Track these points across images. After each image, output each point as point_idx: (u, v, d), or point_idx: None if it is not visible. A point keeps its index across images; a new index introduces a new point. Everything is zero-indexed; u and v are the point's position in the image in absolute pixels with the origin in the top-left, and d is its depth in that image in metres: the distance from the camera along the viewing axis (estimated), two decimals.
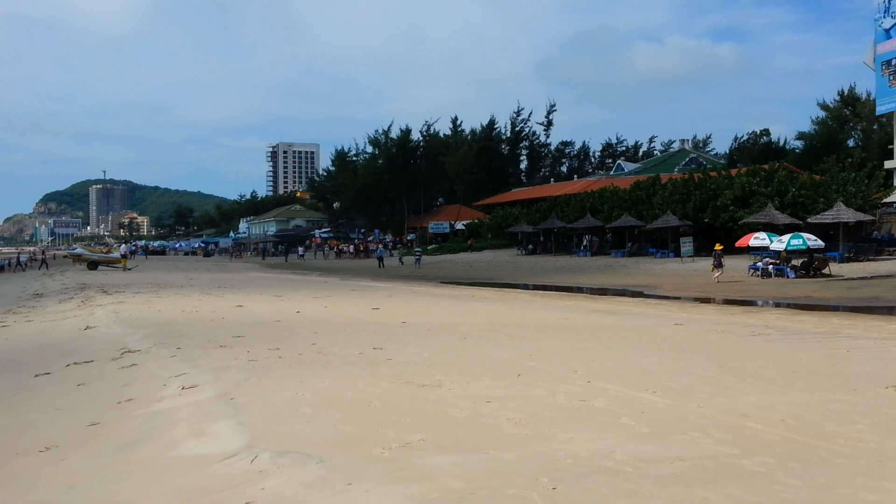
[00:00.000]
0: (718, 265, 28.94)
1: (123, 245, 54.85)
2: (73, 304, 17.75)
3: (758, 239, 32.65)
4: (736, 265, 34.99)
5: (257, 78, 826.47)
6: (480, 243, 64.35)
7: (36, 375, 8.46)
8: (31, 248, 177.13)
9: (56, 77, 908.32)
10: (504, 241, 62.34)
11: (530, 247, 57.26)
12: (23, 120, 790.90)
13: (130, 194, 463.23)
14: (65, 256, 48.96)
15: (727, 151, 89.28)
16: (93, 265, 41.61)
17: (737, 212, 41.17)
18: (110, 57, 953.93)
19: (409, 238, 76.59)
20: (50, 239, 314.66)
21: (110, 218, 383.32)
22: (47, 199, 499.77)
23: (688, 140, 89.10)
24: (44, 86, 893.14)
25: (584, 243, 53.82)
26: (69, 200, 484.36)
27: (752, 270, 31.43)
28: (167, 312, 14.26)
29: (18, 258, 49.87)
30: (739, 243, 34.50)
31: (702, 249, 41.10)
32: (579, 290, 28.12)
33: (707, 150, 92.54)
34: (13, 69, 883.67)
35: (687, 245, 39.87)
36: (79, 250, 48.57)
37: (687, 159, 72.76)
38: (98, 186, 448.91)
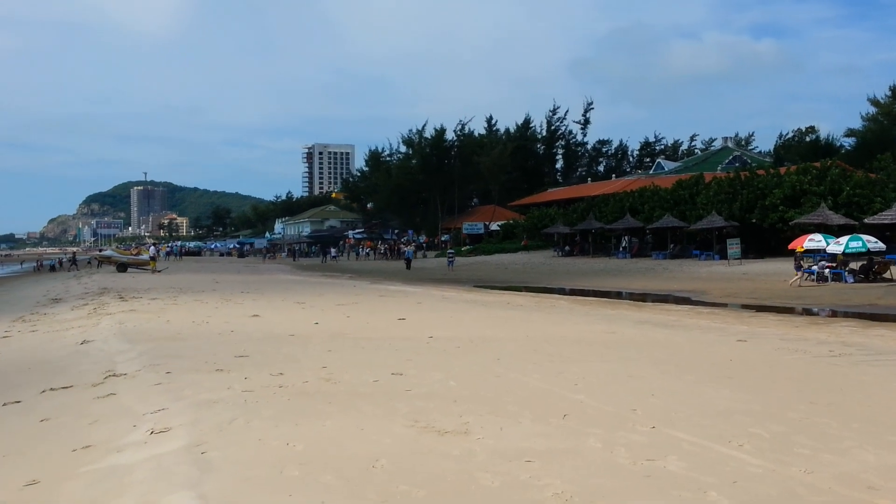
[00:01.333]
0: (799, 268, 27.37)
1: (152, 247, 54.27)
2: (85, 311, 16.77)
3: (813, 241, 30.70)
4: (788, 269, 33.09)
5: (293, 80, 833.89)
6: (514, 244, 62.84)
7: (4, 404, 7.32)
8: (73, 249, 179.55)
9: (97, 81, 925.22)
10: (539, 241, 60.75)
11: (567, 248, 55.60)
12: (66, 122, 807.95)
13: (170, 195, 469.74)
14: (94, 258, 48.58)
15: (771, 149, 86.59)
16: (122, 267, 41.03)
17: (787, 212, 39.13)
18: (149, 61, 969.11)
19: (442, 239, 75.33)
20: (93, 239, 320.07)
21: (151, 218, 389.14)
22: (90, 200, 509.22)
23: (730, 138, 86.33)
24: (86, 89, 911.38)
25: (623, 245, 52.04)
26: (111, 201, 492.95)
27: (806, 274, 29.54)
28: (175, 323, 13.13)
29: (74, 257, 49.58)
30: (793, 245, 32.55)
31: (749, 251, 39.18)
32: (620, 294, 26.54)
33: (750, 148, 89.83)
34: (57, 73, 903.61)
35: (734, 247, 37.91)
36: (108, 252, 48.19)
37: (730, 157, 70.36)
38: (139, 188, 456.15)
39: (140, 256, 44.13)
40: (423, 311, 16.36)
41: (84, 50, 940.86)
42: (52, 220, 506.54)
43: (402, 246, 74.36)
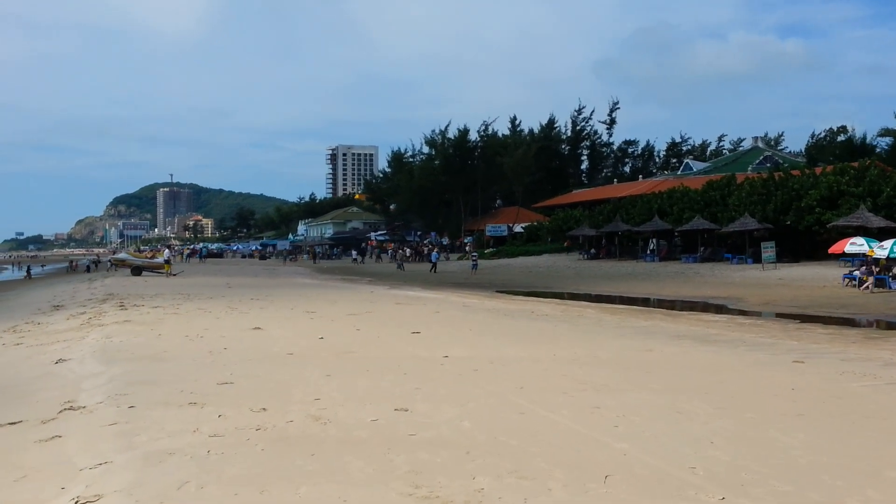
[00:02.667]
0: (869, 273, 25.81)
1: (167, 250, 53.64)
2: (79, 321, 15.72)
3: (855, 244, 29.05)
4: (826, 274, 31.41)
5: (318, 82, 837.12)
6: (538, 247, 61.38)
7: None
8: (99, 250, 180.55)
9: (124, 84, 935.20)
10: (564, 244, 59.25)
11: (593, 251, 54.07)
12: (93, 125, 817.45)
13: (196, 197, 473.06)
14: (108, 261, 47.95)
15: (802, 150, 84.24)
16: (136, 270, 40.22)
17: (823, 214, 37.34)
18: (176, 64, 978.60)
19: (465, 241, 74.02)
20: (119, 241, 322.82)
21: (176, 220, 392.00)
22: (117, 201, 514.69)
23: (760, 137, 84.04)
24: (113, 92, 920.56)
25: (651, 247, 50.42)
26: (138, 203, 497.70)
27: (846, 280, 27.88)
28: (167, 338, 11.98)
29: (98, 259, 49.01)
30: (833, 249, 30.93)
31: (783, 255, 37.48)
32: (650, 301, 25.09)
33: (780, 148, 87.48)
34: (85, 76, 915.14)
35: (769, 250, 36.25)
36: (122, 255, 47.50)
37: (760, 157, 68.28)
38: (165, 189, 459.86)
39: (155, 259, 43.37)
40: (441, 323, 15.09)
41: (111, 53, 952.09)
42: (79, 222, 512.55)
43: (425, 248, 73.22)
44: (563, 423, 6.32)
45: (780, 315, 19.52)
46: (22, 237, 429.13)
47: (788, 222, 39.31)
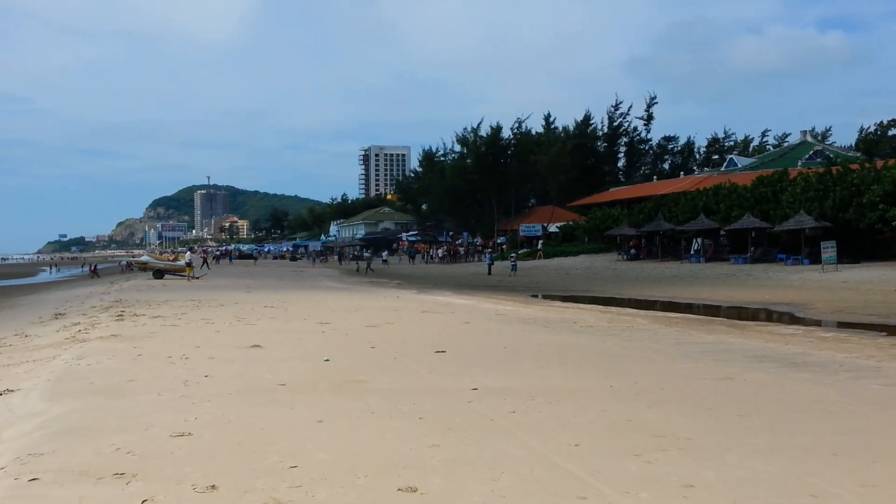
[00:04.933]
0: None
1: (189, 252, 52.36)
2: (67, 334, 13.98)
3: None
4: (893, 276, 28.72)
5: (351, 83, 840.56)
6: (575, 247, 59.01)
7: None
8: (139, 251, 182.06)
9: (164, 88, 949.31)
10: (602, 244, 56.81)
11: (633, 251, 51.53)
12: (134, 129, 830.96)
13: (232, 199, 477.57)
14: (128, 264, 46.72)
15: (852, 144, 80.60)
16: (158, 273, 38.82)
17: (888, 210, 34.52)
18: (214, 68, 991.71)
19: (498, 241, 71.87)
20: (158, 242, 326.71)
21: (213, 221, 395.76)
22: (156, 203, 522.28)
23: (808, 131, 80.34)
24: (153, 97, 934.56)
25: (696, 247, 47.79)
26: (176, 205, 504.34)
27: None
28: (144, 360, 10.09)
29: (132, 262, 47.93)
30: None
31: (843, 255, 34.75)
32: (703, 307, 22.75)
33: (828, 143, 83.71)
34: (126, 82, 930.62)
35: (829, 251, 33.57)
36: (144, 258, 46.26)
37: (811, 152, 65.02)
38: (202, 191, 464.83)
39: (177, 262, 42.00)
40: (470, 338, 13.02)
41: (152, 59, 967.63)
42: (120, 224, 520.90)
43: (459, 248, 71.11)
44: None
45: (858, 325, 17.09)
46: (65, 239, 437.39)
47: (848, 219, 36.51)
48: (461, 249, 70.04)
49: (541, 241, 63.11)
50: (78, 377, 8.63)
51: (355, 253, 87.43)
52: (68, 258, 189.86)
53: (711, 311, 21.89)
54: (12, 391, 8.21)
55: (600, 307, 22.03)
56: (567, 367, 9.91)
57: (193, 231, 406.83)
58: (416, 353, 11.08)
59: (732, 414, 7.15)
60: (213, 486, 4.71)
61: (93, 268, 57.25)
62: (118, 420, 6.50)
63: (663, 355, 11.26)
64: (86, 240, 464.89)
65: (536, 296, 29.04)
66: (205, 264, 56.15)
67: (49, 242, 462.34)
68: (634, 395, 8.03)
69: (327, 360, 10.16)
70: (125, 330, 13.71)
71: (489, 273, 45.05)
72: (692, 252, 47.37)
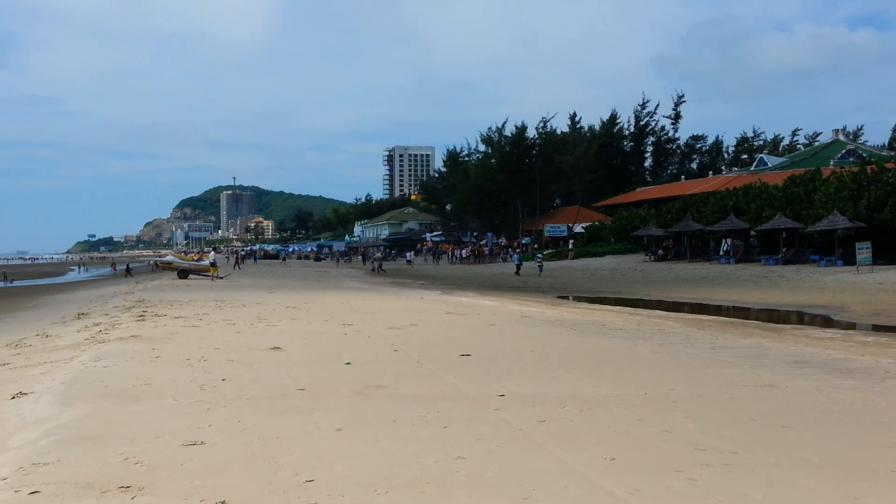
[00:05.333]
0: None
1: (212, 252, 52.43)
2: (87, 334, 13.81)
3: None
4: None
5: (376, 84, 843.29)
6: (601, 248, 58.31)
7: None
8: (166, 252, 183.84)
9: (190, 90, 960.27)
10: (628, 245, 56.08)
11: (660, 252, 50.76)
12: (161, 130, 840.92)
13: (257, 199, 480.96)
14: (156, 263, 46.89)
15: (885, 143, 79.00)
16: (183, 273, 38.85)
17: None
18: (240, 69, 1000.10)
19: (523, 241, 71.34)
20: (185, 242, 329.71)
21: (238, 222, 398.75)
22: (183, 204, 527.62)
23: (840, 130, 78.73)
24: (180, 98, 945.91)
25: (725, 248, 46.94)
26: (202, 206, 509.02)
27: None
28: (162, 362, 9.85)
29: (156, 262, 48.18)
30: None
31: (878, 256, 33.86)
32: (735, 310, 22.15)
33: (860, 142, 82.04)
34: (153, 83, 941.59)
35: (864, 251, 32.70)
36: (169, 258, 46.37)
37: (843, 151, 63.64)
38: (228, 192, 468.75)
39: (201, 262, 42.03)
40: (496, 341, 12.64)
41: (179, 60, 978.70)
42: (147, 224, 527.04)
43: (484, 249, 70.65)
44: None
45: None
46: (94, 239, 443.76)
47: (885, 219, 35.57)
48: (486, 250, 69.56)
49: (571, 241, 62.26)
50: (92, 380, 8.38)
51: (363, 254, 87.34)
52: (97, 258, 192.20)
53: (745, 313, 21.30)
54: (25, 394, 7.99)
55: (629, 309, 21.53)
56: (597, 372, 9.50)
57: (219, 231, 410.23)
58: (440, 356, 10.72)
59: (777, 425, 6.71)
60: (222, 503, 4.39)
61: (127, 267, 57.99)
62: (129, 427, 6.22)
63: (698, 360, 10.80)
64: (114, 240, 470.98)
65: (563, 297, 28.55)
66: (237, 265, 56.56)
67: (78, 242, 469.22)
68: (671, 403, 7.61)
69: (349, 363, 9.84)
70: (145, 331, 13.51)
71: (517, 273, 44.53)
72: (721, 253, 46.57)
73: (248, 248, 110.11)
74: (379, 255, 64.43)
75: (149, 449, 5.53)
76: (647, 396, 7.92)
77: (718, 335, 14.30)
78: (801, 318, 19.99)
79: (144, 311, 17.55)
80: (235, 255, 67.21)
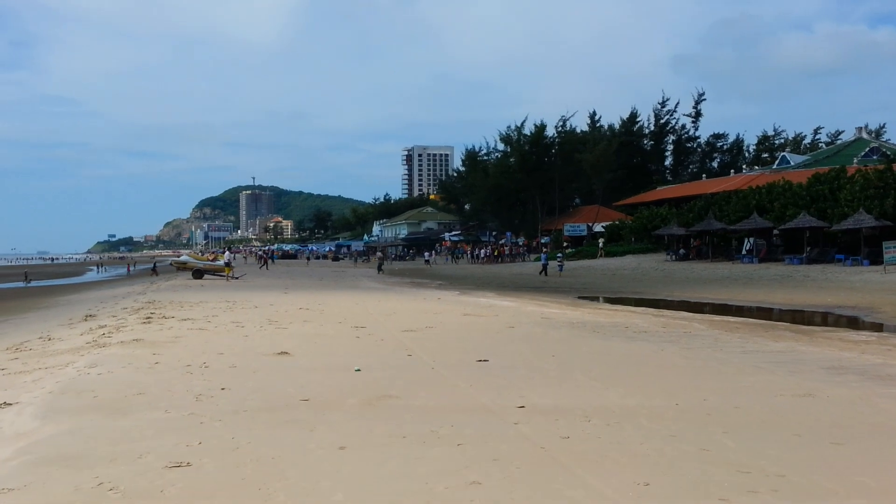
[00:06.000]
0: None
1: (227, 252, 52.15)
2: (90, 337, 13.37)
3: None
4: None
5: (394, 84, 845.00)
6: (622, 247, 57.45)
7: None
8: (181, 251, 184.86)
9: (209, 90, 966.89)
10: (649, 244, 55.21)
11: (682, 251, 49.86)
12: (180, 130, 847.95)
13: (277, 199, 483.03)
14: (171, 264, 46.66)
15: None
16: (198, 274, 38.53)
17: None
18: (258, 70, 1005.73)
19: (542, 241, 70.58)
20: (204, 242, 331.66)
21: (257, 222, 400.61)
22: (202, 204, 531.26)
23: (863, 128, 77.22)
24: (199, 99, 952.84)
25: (748, 247, 45.99)
26: (222, 206, 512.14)
27: None
28: (161, 368, 9.35)
29: (171, 262, 47.98)
30: None
31: None
32: (760, 311, 21.38)
33: (883, 140, 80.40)
34: (172, 84, 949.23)
35: (892, 251, 31.76)
36: (184, 258, 46.08)
37: (866, 149, 62.28)
38: (247, 192, 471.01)
39: (216, 262, 41.71)
40: (515, 345, 12.04)
41: (197, 61, 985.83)
42: (167, 224, 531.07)
43: (504, 249, 69.91)
44: None
45: None
46: (114, 239, 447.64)
47: None
48: (506, 249, 68.77)
49: (602, 240, 60.51)
50: (83, 389, 7.88)
51: (359, 253, 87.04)
52: (116, 258, 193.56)
53: (772, 314, 20.55)
54: (10, 405, 7.49)
55: (652, 310, 20.84)
56: (624, 379, 8.87)
57: (238, 231, 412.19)
58: (456, 362, 10.14)
59: (825, 441, 6.08)
60: None
61: (153, 266, 58.33)
62: (111, 445, 5.70)
63: (730, 366, 10.14)
64: (134, 240, 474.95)
65: (584, 297, 27.87)
66: (265, 265, 56.22)
67: (98, 242, 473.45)
68: (705, 415, 6.99)
69: (358, 370, 9.29)
70: (149, 334, 13.04)
71: (545, 273, 43.38)
72: (744, 252, 45.62)
73: (266, 247, 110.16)
74: (379, 254, 64.41)
75: (127, 472, 5.00)
76: (679, 408, 7.29)
77: (748, 338, 13.61)
78: (830, 319, 19.22)
79: (152, 313, 17.11)
80: (263, 256, 67.17)
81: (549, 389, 8.19)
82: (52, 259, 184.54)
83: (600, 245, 57.82)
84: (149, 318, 15.99)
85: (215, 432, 6.05)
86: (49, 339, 14.12)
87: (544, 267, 44.51)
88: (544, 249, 58.16)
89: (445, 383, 8.56)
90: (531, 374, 9.21)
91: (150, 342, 11.89)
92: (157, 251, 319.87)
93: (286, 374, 8.95)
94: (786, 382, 8.87)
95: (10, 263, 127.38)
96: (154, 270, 54.31)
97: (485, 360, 10.19)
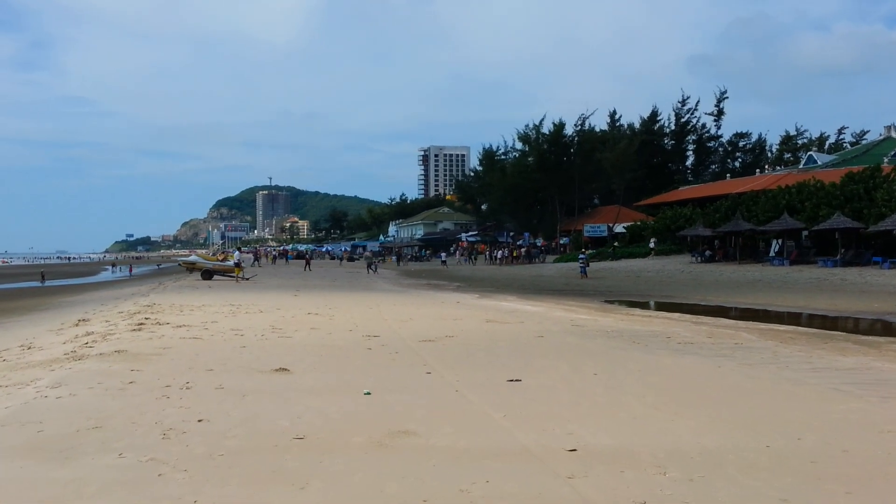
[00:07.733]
0: None
1: (237, 252, 50.91)
2: (70, 347, 11.96)
3: None
4: None
5: (410, 85, 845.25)
6: (642, 248, 55.65)
7: None
8: (197, 251, 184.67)
9: (227, 91, 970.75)
10: (672, 245, 53.44)
11: (708, 253, 48.08)
12: (197, 131, 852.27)
13: (293, 199, 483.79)
14: (179, 264, 45.43)
15: None
16: (207, 274, 37.21)
17: None
18: (275, 70, 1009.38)
19: (561, 242, 68.93)
20: (220, 241, 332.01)
21: (274, 222, 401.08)
22: (219, 204, 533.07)
23: (892, 126, 74.85)
24: (215, 98, 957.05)
25: (777, 249, 44.18)
26: (238, 206, 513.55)
27: None
28: (136, 389, 7.91)
29: (179, 262, 46.26)
30: None
31: None
32: (808, 317, 19.72)
33: None
34: (190, 85, 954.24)
35: None
36: (193, 258, 44.83)
37: None
38: (264, 192, 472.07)
39: (226, 262, 40.41)
40: (549, 359, 10.49)
41: (214, 62, 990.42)
42: (184, 224, 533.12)
43: (522, 250, 68.24)
44: None
45: None
46: (132, 238, 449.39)
47: None
48: (524, 250, 67.12)
49: (653, 241, 54.95)
50: (29, 420, 6.44)
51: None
52: (133, 257, 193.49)
53: (822, 322, 18.87)
54: None
55: (689, 316, 19.23)
56: (688, 407, 7.33)
57: (255, 231, 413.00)
58: (483, 381, 8.64)
59: None
60: None
61: (158, 266, 57.53)
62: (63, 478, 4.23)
63: (806, 388, 8.57)
64: (151, 239, 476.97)
65: (610, 301, 26.27)
66: (307, 266, 54.27)
67: (116, 242, 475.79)
68: (809, 464, 5.44)
69: (368, 393, 7.81)
70: (135, 344, 11.62)
71: (584, 275, 40.95)
72: (772, 254, 43.80)
73: (281, 247, 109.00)
74: (367, 254, 63.43)
75: None
76: (772, 451, 5.75)
77: (809, 351, 12.00)
78: (889, 328, 17.53)
79: (146, 318, 15.72)
80: (276, 256, 65.81)
81: (601, 422, 6.67)
82: (69, 259, 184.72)
83: (651, 245, 54.16)
84: (141, 324, 14.58)
85: (172, 492, 4.57)
86: (29, 348, 12.73)
87: (583, 269, 42.00)
88: (583, 250, 54.20)
89: (473, 412, 7.05)
90: (575, 399, 7.69)
91: (133, 354, 10.46)
92: (174, 251, 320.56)
93: (281, 399, 7.47)
94: (885, 413, 7.30)
95: (28, 263, 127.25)
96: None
97: (517, 380, 8.69)
